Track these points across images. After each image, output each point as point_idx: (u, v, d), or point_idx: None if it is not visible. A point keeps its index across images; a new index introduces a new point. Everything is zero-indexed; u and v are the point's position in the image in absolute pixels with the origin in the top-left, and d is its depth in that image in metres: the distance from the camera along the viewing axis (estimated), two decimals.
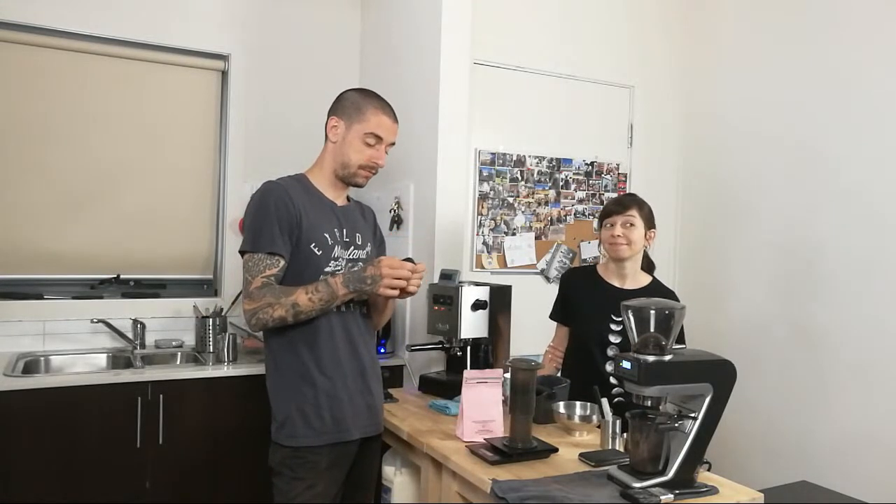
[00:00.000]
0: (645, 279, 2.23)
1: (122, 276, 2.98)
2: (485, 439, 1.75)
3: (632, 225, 2.15)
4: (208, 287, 3.17)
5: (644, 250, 2.27)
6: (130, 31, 2.92)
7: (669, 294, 2.19)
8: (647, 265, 2.29)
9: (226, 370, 2.53)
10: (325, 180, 1.86)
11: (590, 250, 3.28)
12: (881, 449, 2.50)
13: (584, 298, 2.25)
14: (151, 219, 3.03)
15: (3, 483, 2.18)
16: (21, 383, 2.23)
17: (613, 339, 2.15)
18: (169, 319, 2.94)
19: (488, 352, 2.35)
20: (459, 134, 2.66)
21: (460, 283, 2.29)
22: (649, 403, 1.48)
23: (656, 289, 2.20)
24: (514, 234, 3.11)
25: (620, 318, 2.12)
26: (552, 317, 2.38)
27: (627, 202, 2.18)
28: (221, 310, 2.89)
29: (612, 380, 2.12)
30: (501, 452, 1.65)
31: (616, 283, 2.22)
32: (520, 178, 3.12)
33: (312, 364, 1.74)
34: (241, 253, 1.75)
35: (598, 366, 2.14)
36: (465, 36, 2.66)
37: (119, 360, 2.74)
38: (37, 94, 2.82)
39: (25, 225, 2.82)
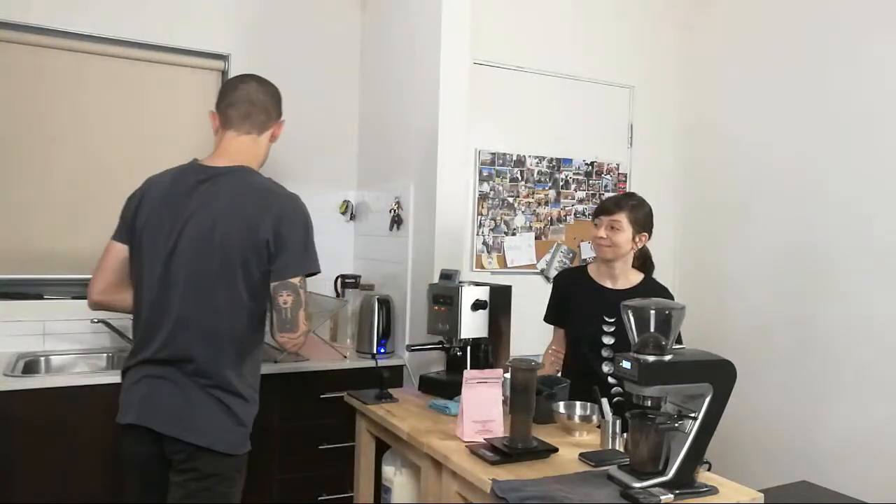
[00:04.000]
0: (636, 278, 2.22)
1: None
2: (485, 439, 1.75)
3: (616, 228, 2.13)
4: None
5: (646, 250, 2.26)
6: (130, 31, 2.92)
7: (663, 292, 2.17)
8: (645, 265, 2.28)
9: None
10: None
11: (590, 250, 3.28)
12: (881, 449, 2.50)
13: (576, 300, 2.25)
14: None
15: (3, 483, 2.17)
16: (21, 383, 2.23)
17: (606, 339, 2.14)
18: None
19: (488, 352, 2.34)
20: (459, 134, 2.65)
21: (460, 283, 2.28)
22: (649, 403, 1.48)
23: (648, 287, 2.18)
24: (514, 234, 3.11)
25: (613, 319, 2.12)
26: (546, 319, 2.37)
27: (615, 206, 2.15)
28: None
29: (611, 380, 2.12)
30: (501, 452, 1.65)
31: (608, 284, 2.21)
32: (520, 178, 3.12)
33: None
34: (310, 273, 1.71)
35: (593, 366, 2.14)
36: (465, 36, 2.65)
37: (119, 361, 2.73)
38: (37, 94, 2.81)
39: (25, 225, 2.81)
